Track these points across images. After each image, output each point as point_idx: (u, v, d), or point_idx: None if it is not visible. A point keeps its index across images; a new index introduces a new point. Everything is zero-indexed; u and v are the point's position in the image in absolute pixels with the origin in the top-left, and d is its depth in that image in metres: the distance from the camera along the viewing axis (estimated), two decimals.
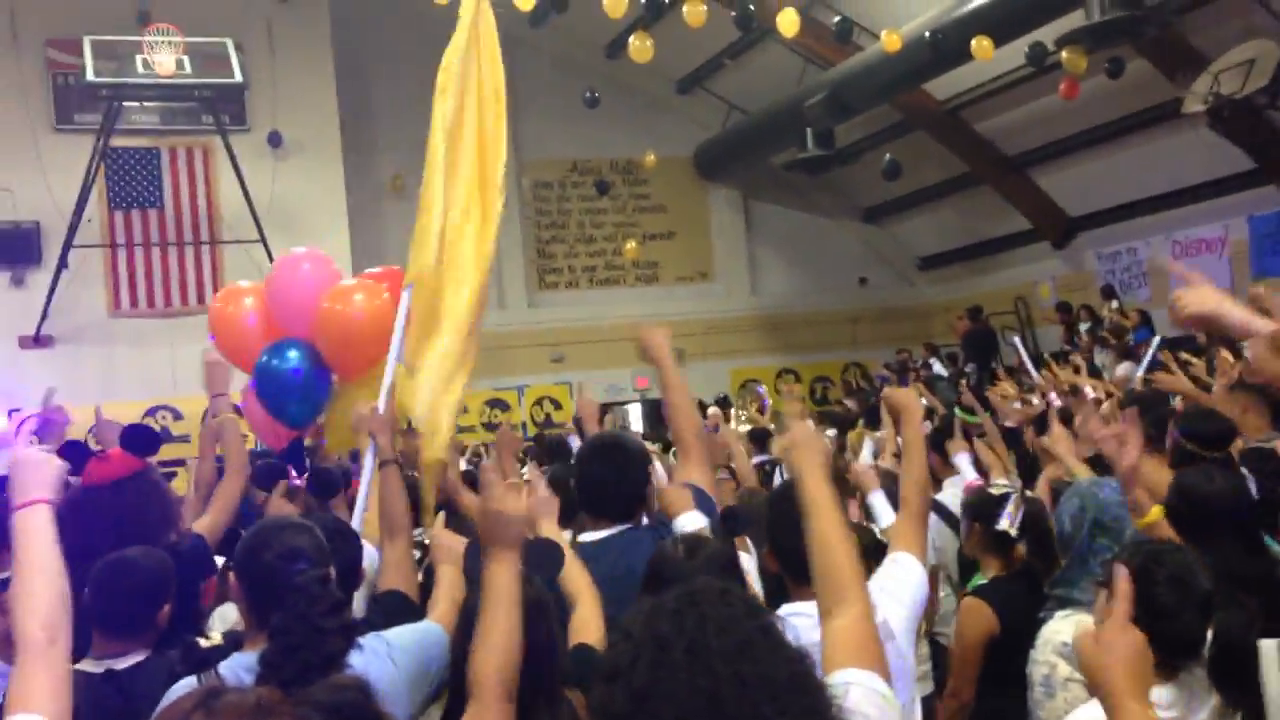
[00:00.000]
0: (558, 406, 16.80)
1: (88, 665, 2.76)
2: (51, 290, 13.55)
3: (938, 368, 14.88)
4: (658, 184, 18.82)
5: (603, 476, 3.22)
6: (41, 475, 2.06)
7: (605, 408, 17.08)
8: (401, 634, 2.64)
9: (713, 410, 11.18)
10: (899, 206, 18.87)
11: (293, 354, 4.73)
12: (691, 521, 2.99)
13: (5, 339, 13.79)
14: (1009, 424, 6.48)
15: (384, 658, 2.49)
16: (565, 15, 13.25)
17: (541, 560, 2.57)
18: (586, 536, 3.21)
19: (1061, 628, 2.91)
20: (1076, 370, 8.43)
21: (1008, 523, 3.68)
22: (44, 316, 13.71)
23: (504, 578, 2.30)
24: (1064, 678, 2.97)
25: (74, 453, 3.31)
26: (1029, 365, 9.68)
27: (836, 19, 13.65)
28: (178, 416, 14.00)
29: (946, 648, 4.49)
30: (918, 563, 2.78)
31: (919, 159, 16.72)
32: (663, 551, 2.70)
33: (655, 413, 17.04)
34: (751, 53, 16.50)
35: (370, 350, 4.35)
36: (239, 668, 2.42)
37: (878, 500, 3.86)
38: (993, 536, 3.76)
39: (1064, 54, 12.55)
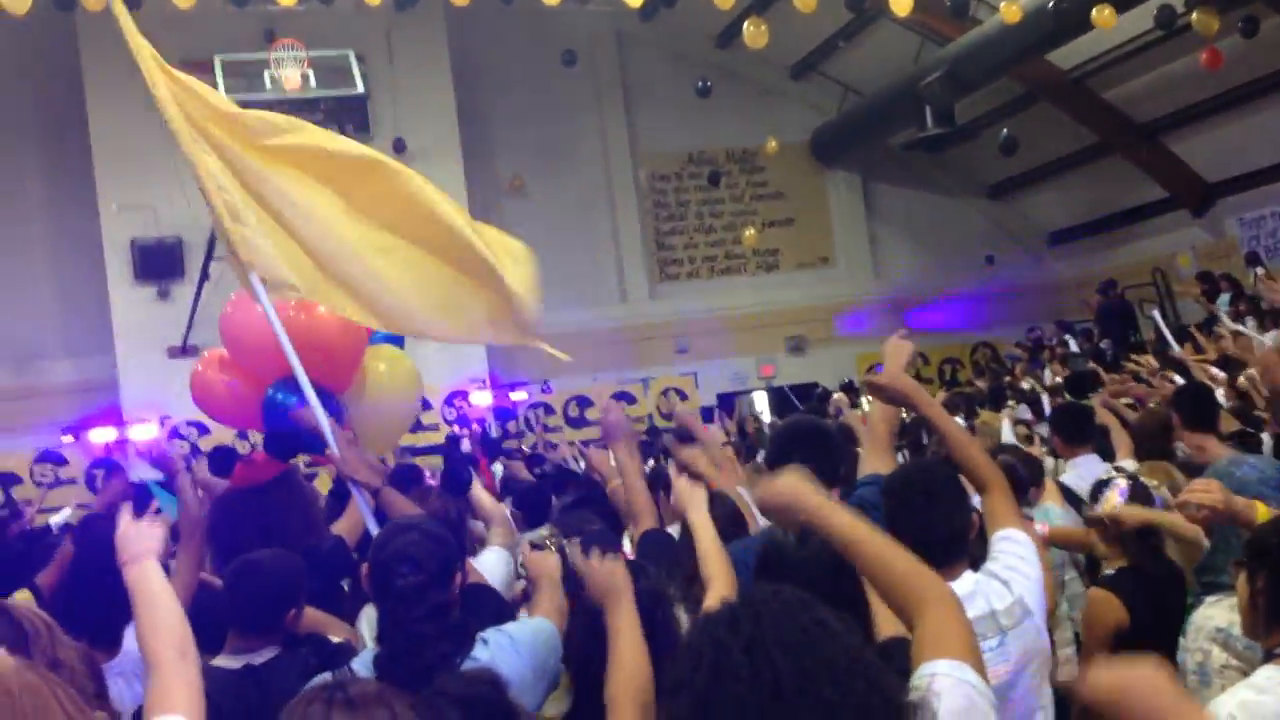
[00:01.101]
0: (683, 397, 16.82)
1: (225, 661, 2.90)
2: (195, 302, 14.12)
3: (1072, 345, 14.43)
4: (775, 171, 18.70)
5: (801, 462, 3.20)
6: (145, 539, 2.36)
7: (730, 397, 17.12)
8: (521, 628, 2.71)
9: (838, 395, 11.08)
10: (1025, 181, 18.37)
11: (280, 395, 4.50)
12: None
13: (155, 350, 14.39)
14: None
15: (510, 650, 2.55)
16: (674, 8, 13.24)
17: (655, 551, 2.61)
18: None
19: (1214, 613, 2.80)
20: (1219, 339, 8.13)
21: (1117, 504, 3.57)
22: (189, 327, 14.28)
23: (624, 622, 2.45)
24: (1219, 665, 2.86)
25: (222, 458, 3.46)
26: (1169, 338, 9.34)
27: None
28: None
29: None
30: (1023, 533, 2.78)
31: (1044, 131, 16.24)
32: (774, 539, 2.68)
33: (782, 400, 16.95)
34: (865, 33, 16.26)
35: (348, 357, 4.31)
36: (363, 666, 2.53)
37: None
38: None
39: (1195, 15, 12.05)
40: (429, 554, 2.58)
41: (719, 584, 2.72)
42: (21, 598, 3.70)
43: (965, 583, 2.70)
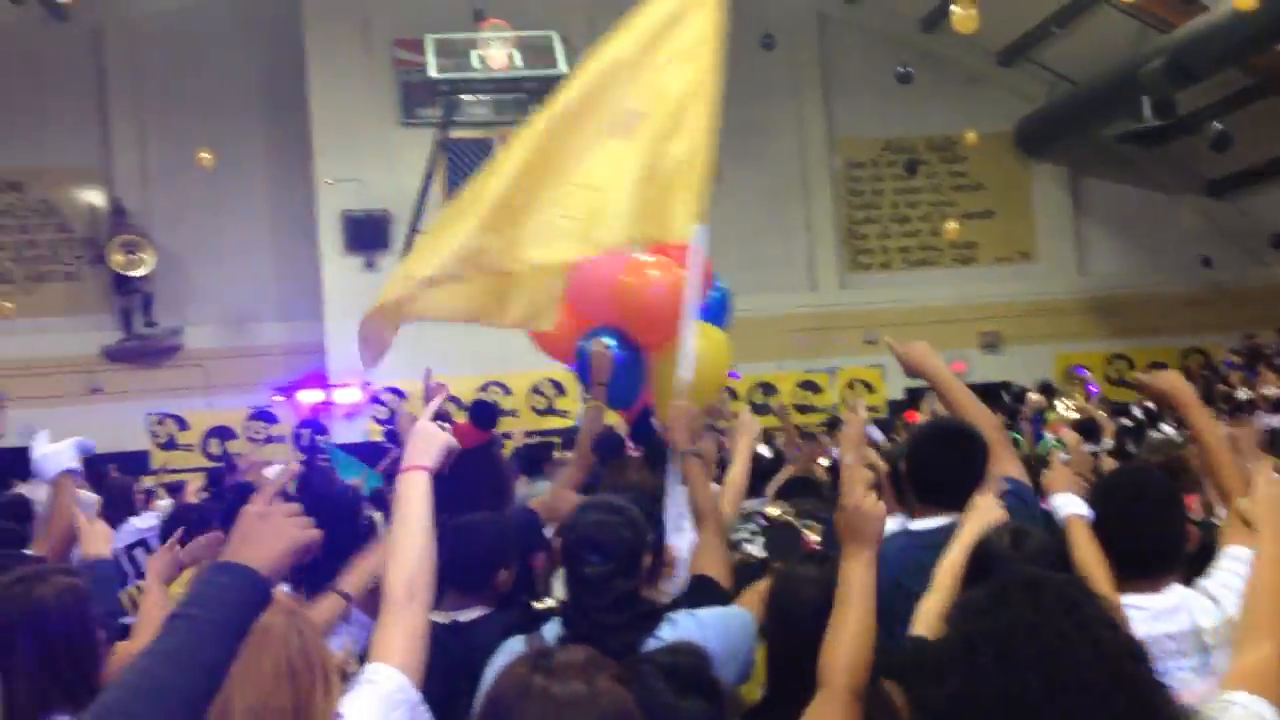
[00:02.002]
0: (870, 389, 16.55)
1: (435, 616, 2.99)
2: None
3: None
4: (975, 161, 18.13)
5: (941, 461, 3.14)
6: (430, 446, 2.26)
7: (917, 393, 16.79)
8: (712, 614, 2.67)
9: (1035, 397, 10.72)
10: (1248, 179, 17.29)
11: (611, 340, 4.89)
12: (1068, 504, 2.84)
13: (360, 318, 15.03)
14: None
15: (696, 631, 2.53)
16: None
17: (780, 544, 2.58)
18: (917, 525, 3.13)
19: None
20: None
21: None
22: None
23: (860, 573, 2.34)
24: None
25: (482, 411, 3.54)
26: None
27: None
28: (506, 391, 14.90)
29: None
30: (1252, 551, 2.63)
31: (1271, 126, 15.25)
32: (988, 542, 2.64)
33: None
34: (1081, 18, 15.59)
35: (671, 322, 4.40)
36: (551, 638, 2.55)
37: None
38: None
39: None
40: (617, 540, 2.55)
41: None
42: None
43: (1170, 596, 2.62)
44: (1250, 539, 2.66)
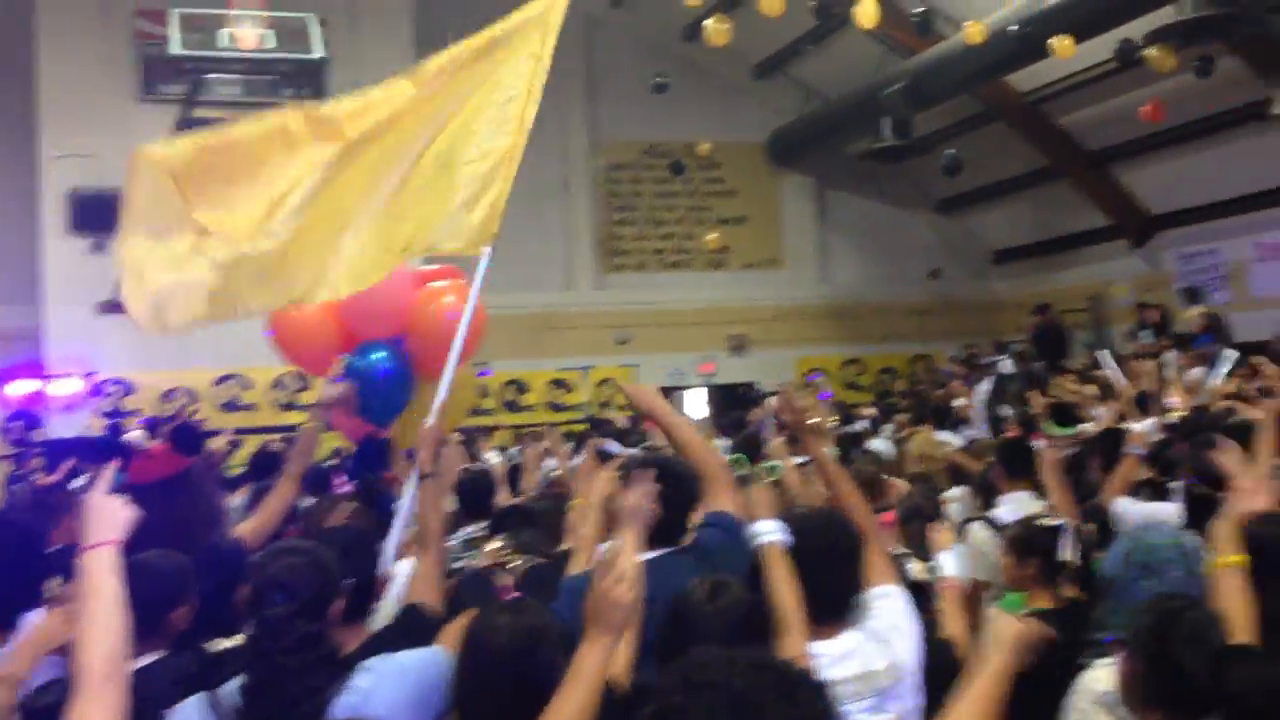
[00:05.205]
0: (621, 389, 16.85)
1: None
2: None
3: (1006, 365, 14.59)
4: (730, 169, 18.71)
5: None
6: (111, 518, 2.17)
7: (667, 392, 17.12)
8: (410, 657, 2.63)
9: (771, 401, 11.08)
10: (975, 199, 18.56)
11: (381, 354, 4.75)
12: (767, 531, 2.90)
13: (84, 305, 14.05)
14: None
15: (394, 679, 2.49)
16: None
17: (537, 586, 2.57)
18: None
19: (1100, 675, 2.83)
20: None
21: (1070, 554, 3.59)
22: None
23: (592, 660, 2.27)
24: None
25: (186, 435, 3.37)
26: (1110, 368, 9.32)
27: (919, 9, 13.43)
28: (247, 386, 14.28)
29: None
30: (900, 589, 2.90)
31: (997, 151, 16.43)
32: (687, 592, 2.66)
33: (721, 398, 17.02)
34: (832, 38, 16.26)
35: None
36: (230, 695, 2.44)
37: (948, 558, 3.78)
38: (1049, 568, 3.66)
39: (1151, 50, 12.21)
40: (302, 582, 2.48)
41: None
42: None
43: (846, 642, 2.74)
44: (891, 576, 2.91)
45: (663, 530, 3.05)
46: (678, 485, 3.17)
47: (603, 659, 2.27)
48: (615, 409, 14.61)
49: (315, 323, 4.94)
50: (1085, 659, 2.98)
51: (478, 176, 4.14)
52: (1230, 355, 8.86)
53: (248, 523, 3.77)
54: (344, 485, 4.52)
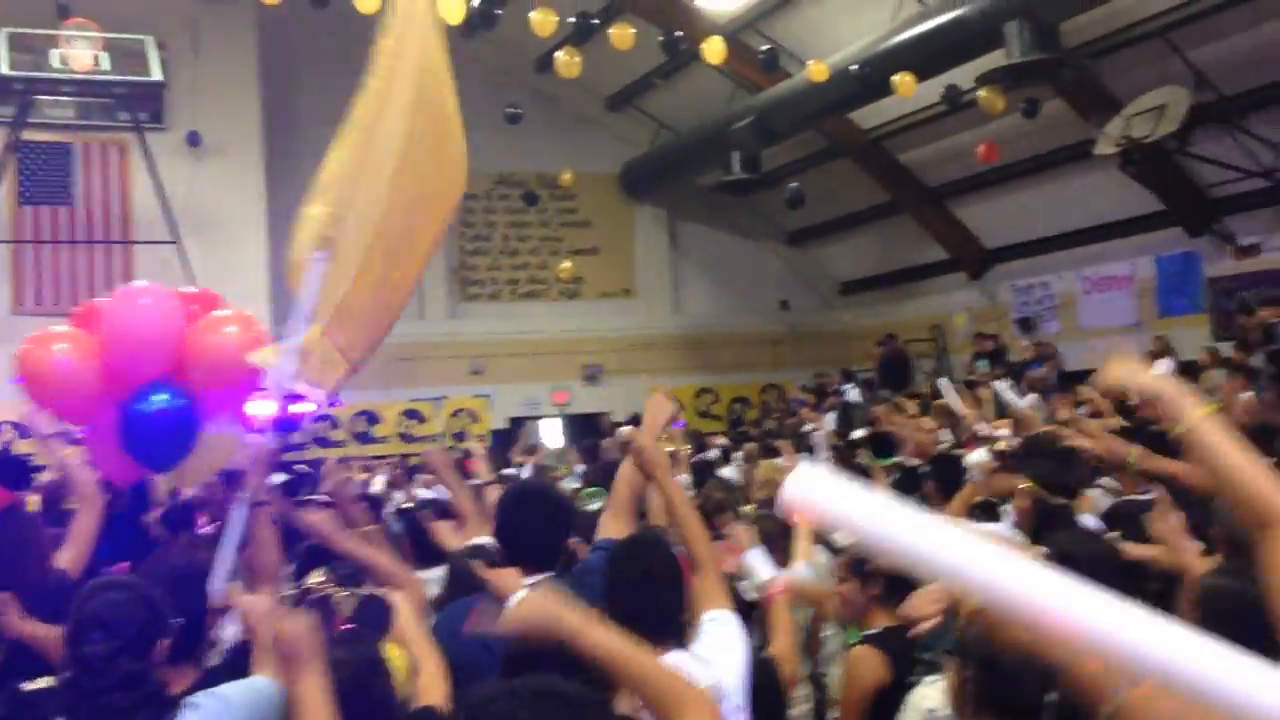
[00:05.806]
0: (474, 419, 16.70)
1: None
2: None
3: (853, 393, 15.02)
4: (584, 200, 18.83)
5: (524, 525, 3.21)
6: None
7: (520, 421, 17.06)
8: (237, 689, 2.55)
9: (627, 429, 11.16)
10: (822, 232, 19.10)
11: (161, 397, 4.40)
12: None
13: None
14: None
15: (222, 715, 2.43)
16: (495, 31, 13.18)
17: (371, 619, 2.55)
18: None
19: (929, 693, 2.89)
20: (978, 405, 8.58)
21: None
22: None
23: (313, 693, 2.31)
24: None
25: (9, 468, 3.21)
26: (951, 398, 9.58)
27: (765, 48, 13.80)
28: None
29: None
30: (732, 614, 2.94)
31: (842, 186, 16.94)
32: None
33: (575, 428, 17.03)
34: (682, 74, 16.57)
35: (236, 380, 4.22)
36: None
37: (755, 557, 3.90)
38: (893, 588, 3.71)
39: (982, 92, 12.80)
40: (124, 619, 2.41)
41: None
42: None
43: (668, 662, 2.75)
44: (725, 601, 2.99)
45: (539, 555, 3.11)
46: (555, 510, 3.25)
47: (319, 689, 2.31)
48: (473, 439, 14.46)
49: (74, 368, 4.43)
50: (914, 678, 3.05)
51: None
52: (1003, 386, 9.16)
53: (64, 554, 3.61)
54: (206, 525, 4.33)
